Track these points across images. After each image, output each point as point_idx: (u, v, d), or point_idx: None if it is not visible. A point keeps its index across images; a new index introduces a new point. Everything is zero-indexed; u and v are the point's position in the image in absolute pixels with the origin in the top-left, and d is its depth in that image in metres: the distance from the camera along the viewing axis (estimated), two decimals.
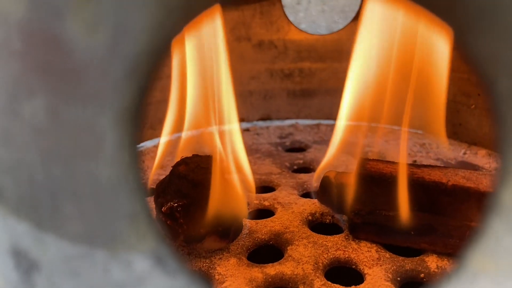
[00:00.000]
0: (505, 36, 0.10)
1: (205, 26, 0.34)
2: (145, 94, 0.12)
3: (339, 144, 0.39)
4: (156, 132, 0.51)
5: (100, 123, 0.12)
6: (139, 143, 0.13)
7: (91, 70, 0.12)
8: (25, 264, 0.16)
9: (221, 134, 0.36)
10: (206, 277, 0.30)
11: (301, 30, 0.56)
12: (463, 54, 0.11)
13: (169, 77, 0.37)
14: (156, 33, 0.11)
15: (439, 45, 0.33)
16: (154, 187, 0.34)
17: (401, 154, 0.33)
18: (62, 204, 0.13)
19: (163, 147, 0.41)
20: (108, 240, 0.13)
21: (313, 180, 0.41)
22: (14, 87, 0.13)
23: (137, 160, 0.13)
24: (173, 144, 0.41)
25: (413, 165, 0.33)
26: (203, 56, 0.36)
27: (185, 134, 0.41)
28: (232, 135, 0.37)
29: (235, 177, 0.34)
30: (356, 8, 0.57)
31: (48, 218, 0.14)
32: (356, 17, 0.55)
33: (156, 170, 0.43)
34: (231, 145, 0.36)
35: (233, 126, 0.37)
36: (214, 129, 0.37)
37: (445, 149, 0.48)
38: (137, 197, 0.13)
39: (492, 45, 0.10)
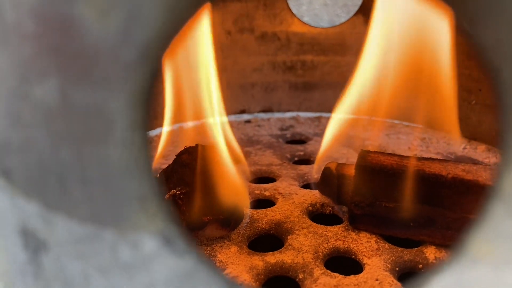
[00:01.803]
0: (511, 23, 0.10)
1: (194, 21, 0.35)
2: (155, 79, 0.12)
3: (336, 135, 0.39)
4: (158, 121, 0.51)
5: (111, 106, 0.12)
6: (150, 126, 0.13)
7: (102, 54, 0.12)
8: (33, 244, 0.16)
9: (217, 126, 0.37)
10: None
11: (304, 23, 0.56)
12: (469, 42, 0.11)
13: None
14: (167, 18, 0.12)
15: (443, 40, 0.34)
16: (157, 176, 0.35)
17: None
18: (71, 186, 0.14)
19: (165, 136, 0.42)
20: (117, 220, 0.13)
21: (313, 171, 0.42)
22: (25, 70, 0.13)
23: (147, 143, 0.13)
24: (175, 134, 0.42)
25: (414, 157, 0.33)
26: (193, 51, 0.36)
27: (186, 125, 0.41)
28: (224, 127, 0.37)
29: (235, 167, 0.35)
30: (359, 2, 0.57)
31: (56, 199, 0.14)
32: (359, 11, 0.55)
33: (158, 160, 0.43)
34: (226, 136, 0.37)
35: (223, 118, 0.37)
36: (214, 120, 0.37)
37: (457, 144, 0.48)
38: (147, 179, 0.13)
39: (498, 32, 0.11)
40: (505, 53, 0.11)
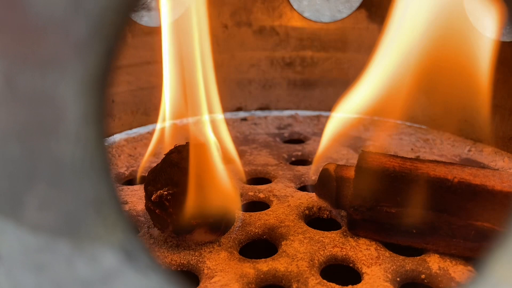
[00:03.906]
0: None
1: (190, 11, 0.33)
2: (111, 59, 0.10)
3: (335, 135, 0.37)
4: (150, 118, 0.49)
5: (61, 93, 0.10)
6: (106, 118, 0.11)
7: (50, 28, 0.10)
8: None
9: (211, 123, 0.35)
10: (194, 271, 0.28)
11: (304, 17, 0.54)
12: None
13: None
14: None
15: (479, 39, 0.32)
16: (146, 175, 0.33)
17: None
18: (20, 188, 0.12)
19: (157, 134, 0.40)
20: (72, 229, 0.11)
21: (311, 173, 0.40)
22: None
23: (103, 138, 0.11)
24: (167, 131, 0.40)
25: (417, 160, 0.31)
26: (187, 42, 0.35)
27: (175, 122, 0.39)
28: (218, 125, 0.35)
29: (227, 167, 0.33)
30: None
31: (5, 204, 0.12)
32: (362, 5, 0.53)
33: (148, 158, 0.42)
34: (218, 134, 0.35)
35: (219, 116, 0.36)
36: (205, 118, 0.35)
37: (462, 146, 0.46)
38: (104, 181, 0.11)
39: None
40: None
